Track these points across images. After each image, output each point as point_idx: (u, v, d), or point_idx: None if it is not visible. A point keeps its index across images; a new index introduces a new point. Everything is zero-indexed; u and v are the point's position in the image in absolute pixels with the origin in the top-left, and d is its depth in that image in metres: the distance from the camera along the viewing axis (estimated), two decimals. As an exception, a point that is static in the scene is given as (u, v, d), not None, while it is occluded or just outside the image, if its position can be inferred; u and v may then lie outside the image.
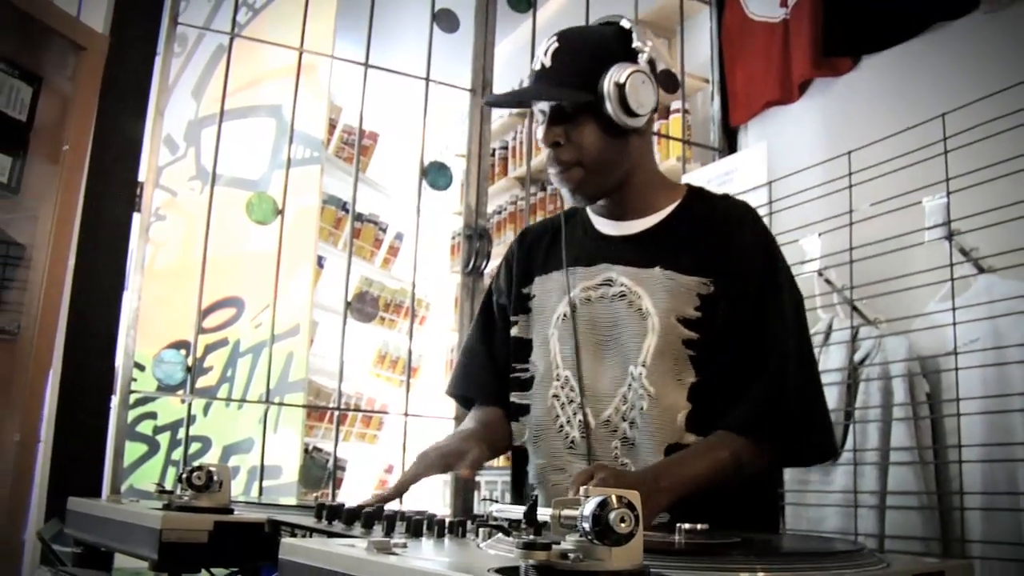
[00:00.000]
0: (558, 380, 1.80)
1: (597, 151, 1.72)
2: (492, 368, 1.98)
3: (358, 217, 5.00)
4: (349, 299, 3.23)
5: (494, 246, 3.60)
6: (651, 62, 1.72)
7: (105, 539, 1.41)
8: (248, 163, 3.85)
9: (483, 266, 3.33)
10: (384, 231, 5.40)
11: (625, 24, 1.74)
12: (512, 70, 5.01)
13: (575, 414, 1.76)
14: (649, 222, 1.81)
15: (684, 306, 1.68)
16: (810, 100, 3.40)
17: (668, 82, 3.85)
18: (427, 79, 3.39)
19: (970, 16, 2.77)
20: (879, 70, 3.11)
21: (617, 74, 1.66)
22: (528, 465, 1.85)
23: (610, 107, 1.67)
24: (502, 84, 3.72)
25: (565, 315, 1.82)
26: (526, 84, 1.82)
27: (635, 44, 1.71)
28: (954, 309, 2.28)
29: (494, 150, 5.21)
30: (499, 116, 5.04)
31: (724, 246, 1.72)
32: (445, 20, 3.44)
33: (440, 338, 5.65)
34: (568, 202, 1.88)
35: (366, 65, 3.29)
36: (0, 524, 2.20)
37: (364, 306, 3.51)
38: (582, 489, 0.69)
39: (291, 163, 3.20)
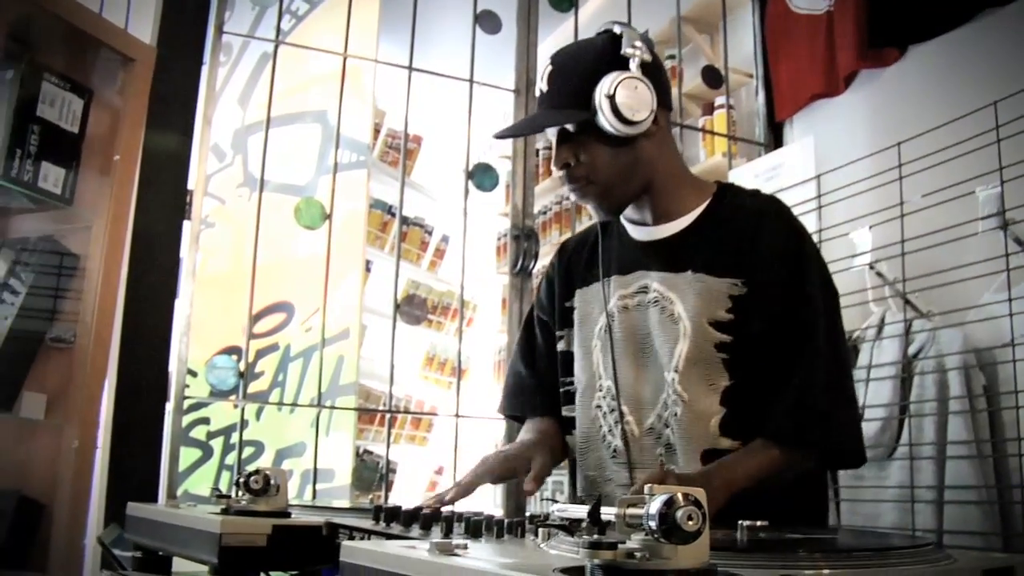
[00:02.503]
0: (600, 390, 1.81)
1: (606, 165, 1.72)
2: (537, 383, 1.99)
3: (404, 220, 5.02)
4: (397, 302, 3.24)
5: (541, 246, 3.60)
6: (644, 64, 1.68)
7: (164, 543, 1.42)
8: (295, 169, 3.88)
9: (531, 266, 3.33)
10: (430, 234, 5.42)
11: (616, 30, 1.72)
12: (555, 70, 4.99)
13: (616, 423, 1.77)
14: (680, 225, 1.79)
15: (715, 309, 1.67)
16: (856, 92, 3.36)
17: (711, 78, 3.83)
18: (471, 80, 3.39)
19: (1020, 2, 2.73)
20: (927, 60, 3.07)
21: (606, 86, 1.64)
22: (576, 477, 1.87)
23: (604, 120, 1.65)
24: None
25: (607, 326, 1.81)
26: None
27: (624, 51, 1.68)
28: (1011, 300, 2.25)
29: (538, 150, 5.21)
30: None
31: (753, 245, 1.70)
32: (487, 21, 3.44)
33: (488, 339, 5.65)
34: (596, 217, 1.89)
35: (410, 68, 3.30)
36: (61, 530, 2.23)
37: (412, 309, 3.50)
38: (646, 488, 0.69)
39: (338, 168, 3.22)
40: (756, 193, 1.89)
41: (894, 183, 2.55)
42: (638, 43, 1.69)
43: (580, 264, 1.95)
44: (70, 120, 2.37)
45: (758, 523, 0.99)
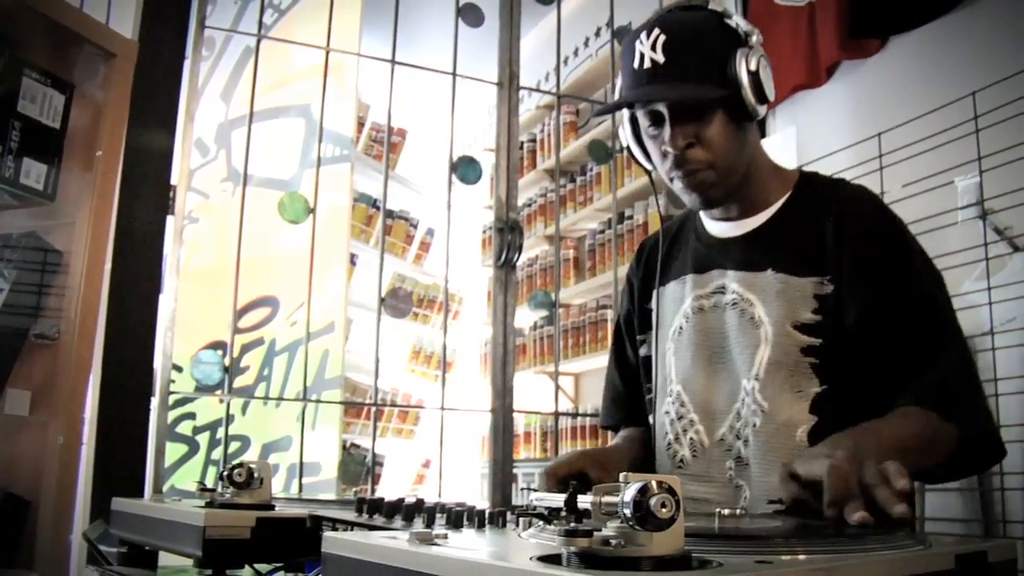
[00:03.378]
0: (670, 396, 1.72)
1: (729, 147, 1.59)
2: (625, 392, 1.93)
3: (389, 214, 5.02)
4: (382, 295, 3.24)
5: (525, 239, 3.60)
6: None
7: (149, 538, 1.43)
8: (279, 163, 3.89)
9: (515, 259, 3.34)
10: (415, 227, 5.43)
11: (714, 7, 1.61)
12: (538, 62, 5.01)
13: (685, 431, 1.68)
14: (760, 219, 1.68)
15: (800, 311, 1.55)
16: (838, 83, 3.38)
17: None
18: (454, 74, 3.39)
19: (998, -7, 2.75)
20: (907, 50, 3.09)
21: (750, 62, 1.53)
22: None
23: (749, 97, 1.54)
24: (529, 77, 3.72)
25: (681, 328, 1.73)
26: (624, 81, 1.65)
27: (742, 27, 1.57)
28: (989, 289, 2.27)
29: (522, 143, 5.22)
30: (526, 109, 5.05)
31: (839, 237, 1.57)
32: (470, 14, 3.44)
33: (474, 332, 5.67)
34: (691, 206, 1.74)
35: (392, 62, 3.30)
36: (47, 526, 2.23)
37: (397, 302, 3.50)
38: (621, 476, 0.70)
39: (321, 162, 3.22)
40: (842, 181, 1.76)
41: (875, 173, 2.57)
42: (744, 23, 1.59)
43: (657, 263, 1.83)
44: (51, 116, 2.37)
45: (736, 511, 1.00)
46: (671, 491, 0.67)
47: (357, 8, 3.95)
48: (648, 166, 1.73)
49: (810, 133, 3.21)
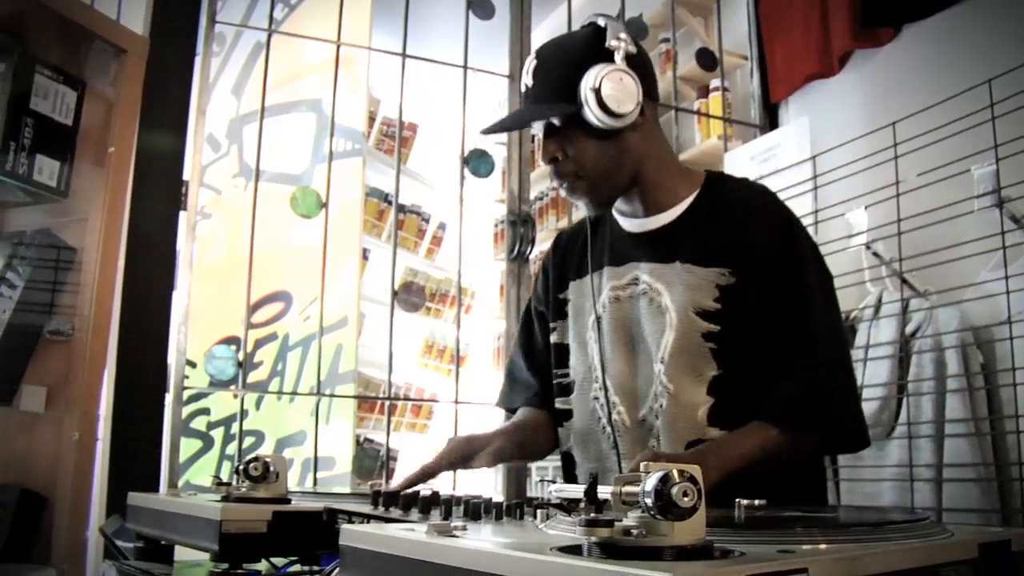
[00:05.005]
0: (596, 382, 1.81)
1: (595, 158, 1.71)
2: (532, 376, 2.00)
3: (401, 208, 5.01)
4: (395, 290, 3.24)
5: (538, 232, 3.60)
6: (628, 56, 1.68)
7: (166, 532, 1.43)
8: (290, 158, 3.88)
9: (528, 252, 3.33)
10: (427, 221, 5.42)
11: (600, 22, 1.71)
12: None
13: (610, 415, 1.78)
14: (669, 216, 1.79)
15: (703, 298, 1.67)
16: (851, 72, 3.36)
17: (706, 60, 3.82)
18: (465, 67, 3.39)
19: (1013, -20, 2.73)
20: (921, 39, 3.07)
21: (591, 79, 1.64)
22: (577, 469, 1.87)
23: (590, 113, 1.65)
24: (540, 69, 3.70)
25: (600, 318, 1.82)
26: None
27: (608, 43, 1.67)
28: (1007, 277, 2.25)
29: (533, 136, 5.19)
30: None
31: (741, 234, 1.69)
32: (480, 7, 3.44)
33: (487, 326, 5.66)
34: (585, 210, 1.87)
35: (403, 55, 3.30)
36: (63, 522, 2.24)
37: (410, 296, 3.51)
38: (642, 465, 0.69)
39: (333, 156, 3.21)
40: (745, 182, 1.90)
41: (889, 163, 2.55)
42: (622, 35, 1.69)
43: (574, 255, 1.95)
44: (64, 112, 2.37)
45: (756, 501, 0.99)
46: (693, 480, 0.67)
47: (367, 2, 3.94)
48: None
49: (823, 123, 3.19)
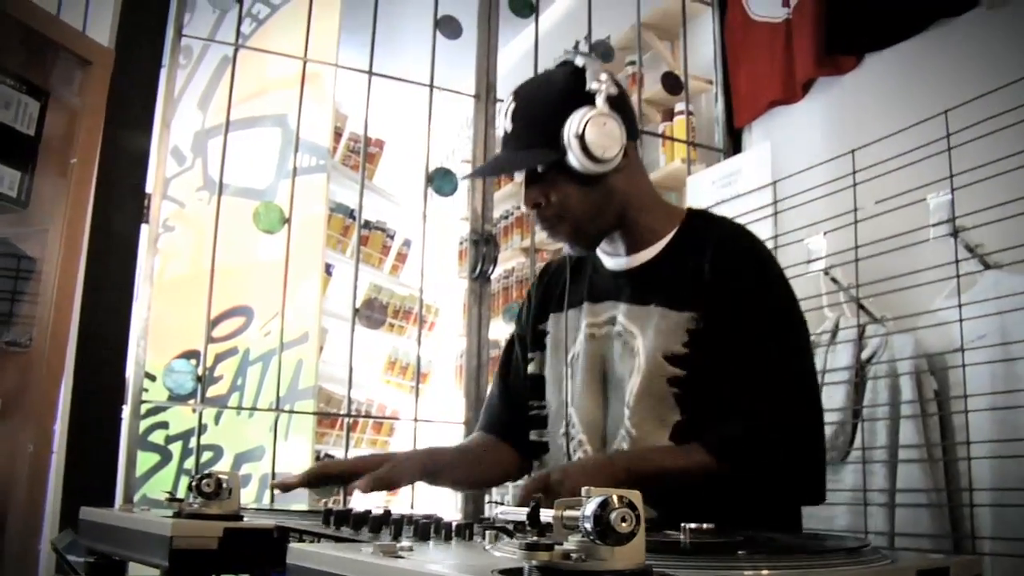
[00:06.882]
0: (567, 419, 1.79)
1: (578, 203, 1.70)
2: (505, 403, 1.99)
3: (365, 224, 5.02)
4: (357, 306, 3.24)
5: (501, 251, 3.61)
6: (611, 98, 1.66)
7: (117, 548, 1.42)
8: (255, 173, 3.87)
9: (490, 271, 3.34)
10: (392, 238, 5.42)
11: (579, 63, 1.70)
12: (516, 74, 5.00)
13: (574, 452, 1.76)
14: (648, 254, 1.78)
15: (672, 343, 1.65)
16: (814, 99, 3.40)
17: (671, 84, 3.86)
18: (431, 85, 3.40)
19: (972, 12, 2.77)
20: (882, 68, 3.11)
21: (574, 125, 1.62)
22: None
23: (575, 160, 1.64)
24: (506, 89, 3.72)
25: (577, 354, 1.80)
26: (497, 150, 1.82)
27: (589, 86, 1.66)
28: (960, 306, 2.28)
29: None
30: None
31: (711, 276, 1.67)
32: (448, 26, 3.45)
33: (449, 344, 5.66)
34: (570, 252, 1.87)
35: (370, 73, 3.31)
36: (15, 534, 2.21)
37: (373, 313, 3.51)
38: (583, 489, 0.70)
39: (297, 172, 3.21)
40: (723, 221, 1.86)
41: (848, 190, 2.59)
42: (603, 76, 1.67)
43: (558, 287, 1.93)
44: (26, 122, 2.35)
45: (703, 525, 1.00)
46: (631, 506, 0.68)
47: (335, 18, 3.95)
48: None
49: (785, 148, 3.22)
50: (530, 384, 1.91)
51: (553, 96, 1.70)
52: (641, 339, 1.69)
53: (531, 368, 1.92)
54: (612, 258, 1.83)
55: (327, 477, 1.71)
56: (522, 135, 1.71)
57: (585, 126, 1.62)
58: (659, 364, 1.64)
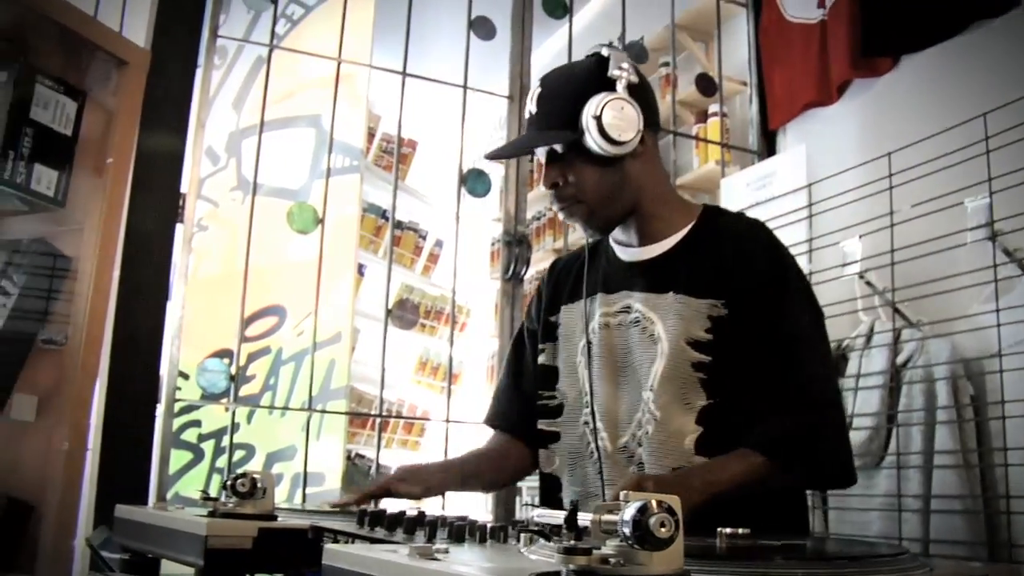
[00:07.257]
0: (586, 407, 1.83)
1: (595, 184, 1.75)
2: (516, 397, 2.04)
3: (398, 225, 5.03)
4: (390, 306, 3.25)
5: (533, 252, 3.60)
6: (631, 86, 1.73)
7: (151, 545, 1.43)
8: (288, 173, 3.89)
9: (523, 272, 3.34)
10: (424, 238, 5.43)
11: (604, 52, 1.76)
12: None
13: (593, 439, 1.79)
14: (664, 246, 1.82)
15: (695, 329, 1.70)
16: (849, 101, 3.37)
17: (705, 85, 3.84)
18: (464, 87, 3.40)
19: (1011, 14, 2.74)
20: (919, 70, 3.08)
21: (593, 107, 1.68)
22: (562, 492, 1.88)
23: (591, 140, 1.69)
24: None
25: (590, 343, 1.84)
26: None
27: (611, 72, 1.72)
28: (998, 311, 2.25)
29: (532, 156, 5.21)
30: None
31: (735, 267, 1.73)
32: (481, 27, 3.45)
33: (481, 344, 5.66)
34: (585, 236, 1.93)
35: (404, 74, 3.31)
36: (51, 531, 2.23)
37: (405, 313, 3.52)
38: (622, 494, 0.70)
39: (331, 172, 3.22)
40: (740, 216, 1.93)
41: (884, 193, 2.56)
42: (625, 64, 1.73)
43: (568, 281, 1.98)
44: (63, 123, 2.37)
45: (739, 530, 1.00)
46: (671, 511, 0.67)
47: (369, 19, 3.96)
48: None
49: (820, 151, 3.20)
50: (540, 375, 1.96)
51: (575, 81, 1.76)
52: (661, 325, 1.73)
53: (542, 359, 1.96)
54: (626, 249, 1.87)
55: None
56: (544, 117, 1.77)
57: (603, 108, 1.68)
58: (683, 349, 1.69)
